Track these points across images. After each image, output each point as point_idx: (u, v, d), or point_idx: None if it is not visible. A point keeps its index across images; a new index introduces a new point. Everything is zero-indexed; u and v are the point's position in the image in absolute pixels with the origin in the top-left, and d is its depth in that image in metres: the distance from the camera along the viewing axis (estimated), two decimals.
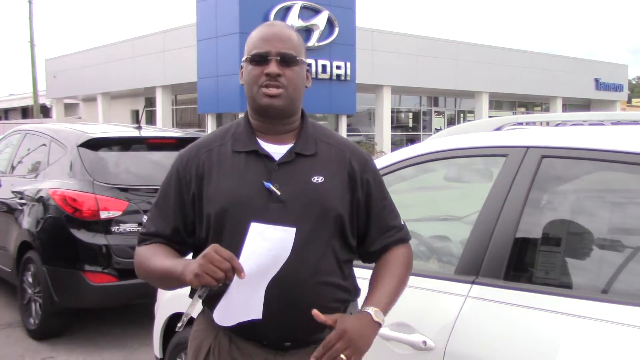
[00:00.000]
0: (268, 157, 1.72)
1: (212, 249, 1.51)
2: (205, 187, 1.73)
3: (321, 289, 1.69)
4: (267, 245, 1.57)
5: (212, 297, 1.72)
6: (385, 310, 1.69)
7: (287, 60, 1.70)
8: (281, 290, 1.65)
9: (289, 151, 1.73)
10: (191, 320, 1.70)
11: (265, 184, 1.67)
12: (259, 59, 1.70)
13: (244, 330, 1.72)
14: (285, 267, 1.64)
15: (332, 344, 1.57)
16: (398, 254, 1.82)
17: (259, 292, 1.62)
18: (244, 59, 1.75)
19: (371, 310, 1.66)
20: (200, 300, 1.54)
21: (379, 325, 1.66)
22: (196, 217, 1.75)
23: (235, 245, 1.61)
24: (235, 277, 1.51)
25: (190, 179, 1.75)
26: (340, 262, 1.74)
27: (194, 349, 1.82)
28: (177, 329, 1.57)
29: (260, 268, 1.56)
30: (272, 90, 1.68)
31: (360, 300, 1.81)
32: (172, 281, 1.64)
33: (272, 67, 1.68)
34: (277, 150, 1.73)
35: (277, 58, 1.69)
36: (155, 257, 1.72)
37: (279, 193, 1.67)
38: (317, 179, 1.70)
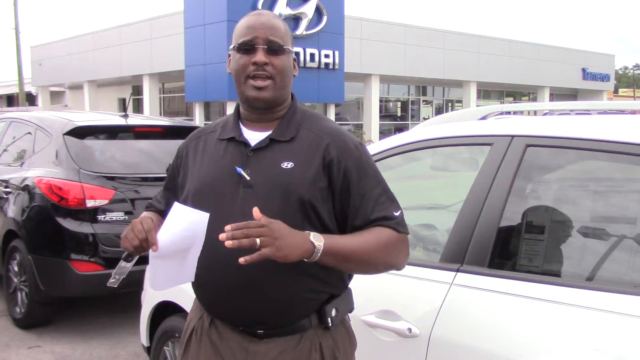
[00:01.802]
0: (245, 143, 1.75)
1: (139, 219, 1.64)
2: (189, 169, 1.83)
3: (292, 277, 1.66)
4: (182, 226, 1.63)
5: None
6: (328, 243, 1.57)
7: (274, 49, 1.70)
8: (247, 276, 1.65)
9: (265, 137, 1.75)
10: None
11: (237, 169, 1.71)
12: (247, 48, 1.70)
13: (223, 314, 1.76)
14: (252, 251, 1.62)
15: (251, 225, 1.48)
16: (377, 229, 1.68)
17: (187, 263, 1.68)
18: (231, 47, 1.75)
19: (312, 233, 1.58)
20: (127, 264, 1.69)
21: (313, 245, 1.54)
22: (179, 196, 1.85)
23: (214, 226, 1.60)
24: (154, 253, 1.61)
25: (180, 163, 1.89)
26: None
27: (184, 329, 1.89)
28: (108, 284, 1.71)
29: (174, 246, 1.63)
30: (259, 82, 1.69)
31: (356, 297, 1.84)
32: None
33: (260, 56, 1.68)
34: (256, 137, 1.76)
35: (264, 47, 1.69)
36: None
37: (248, 178, 1.69)
38: (287, 165, 1.69)
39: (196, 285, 1.80)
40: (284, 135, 1.74)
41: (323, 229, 1.69)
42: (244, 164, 1.71)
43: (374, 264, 1.72)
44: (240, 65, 1.71)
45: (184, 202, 1.74)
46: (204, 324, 1.81)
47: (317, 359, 1.72)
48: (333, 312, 1.75)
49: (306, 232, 1.58)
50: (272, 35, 1.70)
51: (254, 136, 1.76)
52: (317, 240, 1.57)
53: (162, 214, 1.86)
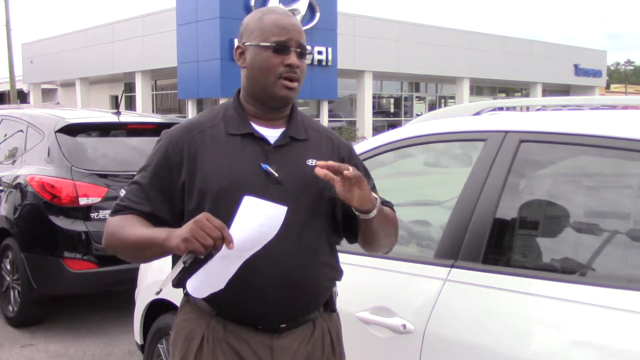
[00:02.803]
0: (263, 139, 1.74)
1: (203, 216, 1.48)
2: (199, 165, 1.70)
3: (319, 269, 1.75)
4: (258, 220, 1.54)
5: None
6: (380, 201, 1.72)
7: (302, 53, 1.73)
8: (283, 271, 1.67)
9: (283, 135, 1.76)
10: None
11: (263, 165, 1.69)
12: (281, 48, 1.70)
13: (239, 316, 1.72)
14: (286, 248, 1.66)
15: (339, 165, 1.61)
16: (385, 207, 1.83)
17: (232, 267, 1.59)
18: (257, 43, 1.71)
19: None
20: (183, 267, 1.48)
21: (376, 199, 1.70)
22: (186, 194, 1.72)
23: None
24: (224, 252, 1.48)
25: (180, 159, 1.72)
26: (330, 244, 1.80)
27: (184, 338, 1.76)
28: (156, 294, 1.56)
29: (248, 242, 1.54)
30: (291, 83, 1.71)
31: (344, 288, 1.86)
32: (152, 249, 1.60)
33: (294, 59, 1.70)
34: (270, 134, 1.75)
35: (297, 49, 1.71)
36: (132, 227, 1.68)
37: (276, 175, 1.69)
38: (312, 163, 1.72)
39: (223, 290, 1.65)
40: (299, 133, 1.78)
41: (335, 225, 1.80)
42: (267, 161, 1.70)
43: (392, 233, 1.85)
44: (271, 65, 1.70)
45: (201, 199, 1.68)
46: (215, 330, 1.73)
47: (329, 343, 1.81)
48: (335, 297, 1.86)
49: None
50: (302, 38, 1.73)
51: (267, 133, 1.75)
52: (376, 195, 1.72)
53: (152, 217, 1.71)
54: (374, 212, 1.68)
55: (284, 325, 1.73)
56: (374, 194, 1.71)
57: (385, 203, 1.85)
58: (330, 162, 1.60)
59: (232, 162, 1.70)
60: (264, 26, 1.71)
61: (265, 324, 1.72)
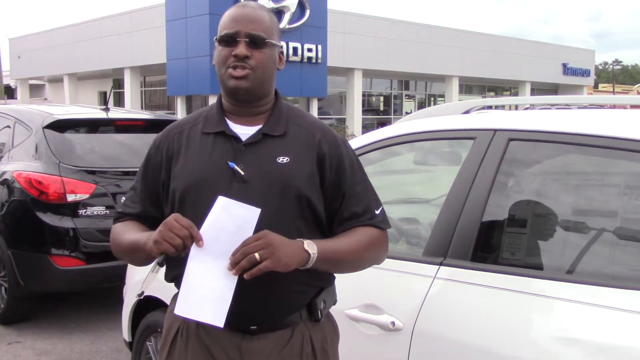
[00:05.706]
0: (235, 137, 1.72)
1: (172, 217, 1.54)
2: (173, 167, 1.75)
3: (289, 272, 1.64)
4: (230, 221, 1.55)
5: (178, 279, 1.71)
6: (320, 249, 1.61)
7: (256, 42, 1.68)
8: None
9: (257, 132, 1.73)
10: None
11: (230, 164, 1.67)
12: (228, 40, 1.69)
13: None
14: None
15: (248, 242, 1.53)
16: (361, 229, 1.73)
17: (225, 291, 1.55)
18: (215, 39, 1.74)
19: (305, 241, 1.61)
20: (159, 269, 1.53)
21: (308, 254, 1.59)
22: (164, 195, 1.76)
23: (198, 222, 1.58)
24: (195, 252, 1.51)
25: (161, 160, 1.78)
26: None
27: (165, 330, 1.82)
28: (137, 296, 1.57)
29: (220, 243, 1.53)
30: (238, 72, 1.67)
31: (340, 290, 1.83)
32: (139, 253, 1.65)
33: (240, 49, 1.67)
34: (246, 132, 1.73)
35: (245, 39, 1.68)
36: (127, 232, 1.75)
37: (242, 173, 1.66)
38: (283, 160, 1.69)
39: None
40: (276, 130, 1.73)
41: (315, 223, 1.72)
42: (236, 159, 1.68)
43: (361, 264, 1.79)
44: (222, 57, 1.69)
45: (173, 200, 1.69)
46: (189, 324, 1.74)
47: (309, 352, 1.74)
48: (322, 305, 1.77)
49: (299, 240, 1.62)
50: (255, 28, 1.68)
51: (242, 130, 1.73)
52: (311, 248, 1.61)
53: (147, 219, 1.77)
54: (309, 266, 1.60)
55: (255, 327, 1.71)
56: (305, 246, 1.59)
57: (367, 220, 1.73)
58: (233, 272, 1.52)
59: (201, 161, 1.71)
60: (221, 21, 1.73)
61: (235, 324, 1.69)
